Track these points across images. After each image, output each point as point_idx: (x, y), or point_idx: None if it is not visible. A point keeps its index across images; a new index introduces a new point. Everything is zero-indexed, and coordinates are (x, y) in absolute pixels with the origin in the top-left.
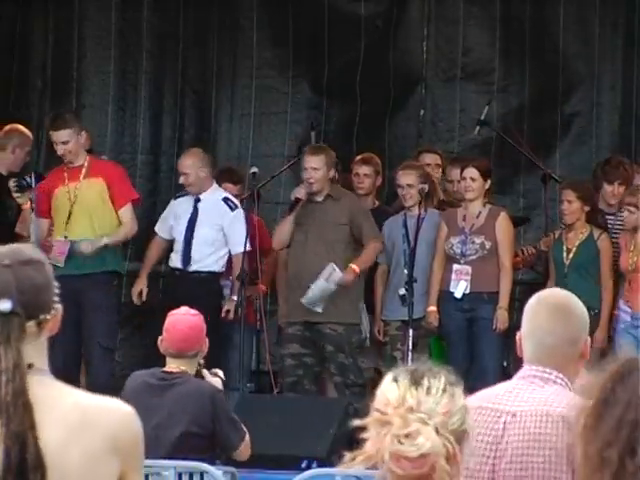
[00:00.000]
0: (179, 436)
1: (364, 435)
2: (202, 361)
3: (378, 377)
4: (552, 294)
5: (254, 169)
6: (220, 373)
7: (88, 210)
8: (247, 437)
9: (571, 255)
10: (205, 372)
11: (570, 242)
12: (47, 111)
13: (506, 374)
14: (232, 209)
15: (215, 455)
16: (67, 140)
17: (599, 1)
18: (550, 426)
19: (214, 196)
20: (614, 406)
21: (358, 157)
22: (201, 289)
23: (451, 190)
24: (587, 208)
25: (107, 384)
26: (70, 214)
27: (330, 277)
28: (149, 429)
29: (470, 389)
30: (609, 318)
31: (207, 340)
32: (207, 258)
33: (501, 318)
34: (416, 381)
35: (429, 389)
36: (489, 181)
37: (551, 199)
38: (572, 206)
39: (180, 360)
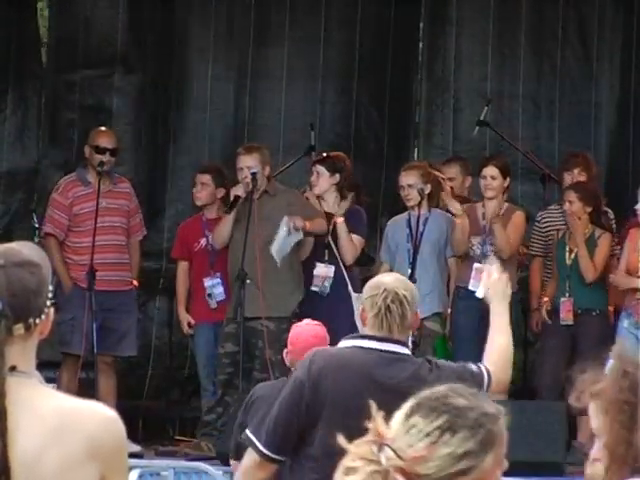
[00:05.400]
0: None
1: None
2: None
3: None
4: None
5: (254, 169)
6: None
7: None
8: None
9: (573, 255)
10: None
11: (573, 242)
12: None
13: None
14: None
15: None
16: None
17: (598, 2)
18: None
19: None
20: None
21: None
22: None
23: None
24: (589, 209)
25: None
26: None
27: (283, 224)
28: None
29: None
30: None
31: None
32: None
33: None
34: (408, 415)
35: (411, 428)
36: (508, 179)
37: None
38: (573, 207)
39: None
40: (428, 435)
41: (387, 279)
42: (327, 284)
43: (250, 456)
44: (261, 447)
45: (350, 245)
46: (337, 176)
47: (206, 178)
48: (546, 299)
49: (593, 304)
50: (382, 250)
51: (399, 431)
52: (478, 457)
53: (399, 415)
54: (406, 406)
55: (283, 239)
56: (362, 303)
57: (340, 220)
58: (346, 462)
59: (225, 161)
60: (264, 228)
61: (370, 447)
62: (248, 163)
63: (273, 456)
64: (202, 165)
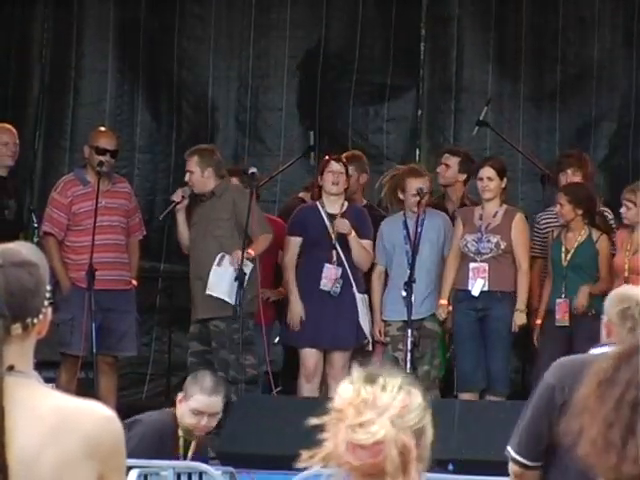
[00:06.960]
0: None
1: (323, 435)
2: None
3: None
4: None
5: (253, 169)
6: None
7: None
8: None
9: (569, 256)
10: None
11: (569, 243)
12: (46, 110)
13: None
14: None
15: None
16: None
17: (599, 1)
18: None
19: None
20: (614, 386)
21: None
22: None
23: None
24: (580, 211)
25: None
26: None
27: (221, 262)
28: None
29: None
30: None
31: None
32: None
33: (519, 321)
34: (371, 380)
35: (384, 386)
36: (505, 179)
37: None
38: (563, 209)
39: None
40: (401, 388)
41: (636, 291)
42: (338, 285)
43: (511, 468)
44: (518, 457)
45: (364, 253)
46: (350, 179)
47: (234, 180)
48: (539, 322)
49: (589, 305)
50: (376, 251)
51: (374, 392)
52: (428, 411)
53: (355, 386)
54: (356, 378)
55: (230, 278)
56: (606, 314)
57: (352, 235)
58: (355, 420)
59: (227, 161)
60: (213, 228)
61: (364, 406)
62: (187, 167)
63: (531, 464)
64: (230, 168)
